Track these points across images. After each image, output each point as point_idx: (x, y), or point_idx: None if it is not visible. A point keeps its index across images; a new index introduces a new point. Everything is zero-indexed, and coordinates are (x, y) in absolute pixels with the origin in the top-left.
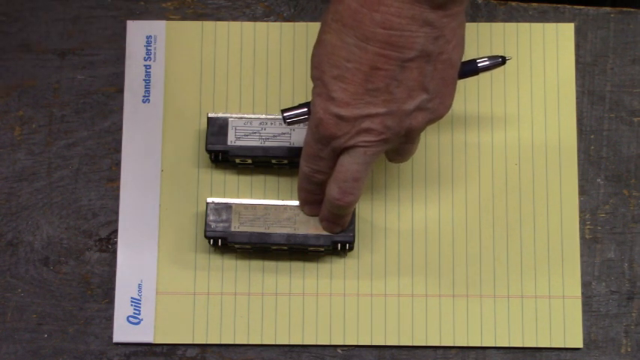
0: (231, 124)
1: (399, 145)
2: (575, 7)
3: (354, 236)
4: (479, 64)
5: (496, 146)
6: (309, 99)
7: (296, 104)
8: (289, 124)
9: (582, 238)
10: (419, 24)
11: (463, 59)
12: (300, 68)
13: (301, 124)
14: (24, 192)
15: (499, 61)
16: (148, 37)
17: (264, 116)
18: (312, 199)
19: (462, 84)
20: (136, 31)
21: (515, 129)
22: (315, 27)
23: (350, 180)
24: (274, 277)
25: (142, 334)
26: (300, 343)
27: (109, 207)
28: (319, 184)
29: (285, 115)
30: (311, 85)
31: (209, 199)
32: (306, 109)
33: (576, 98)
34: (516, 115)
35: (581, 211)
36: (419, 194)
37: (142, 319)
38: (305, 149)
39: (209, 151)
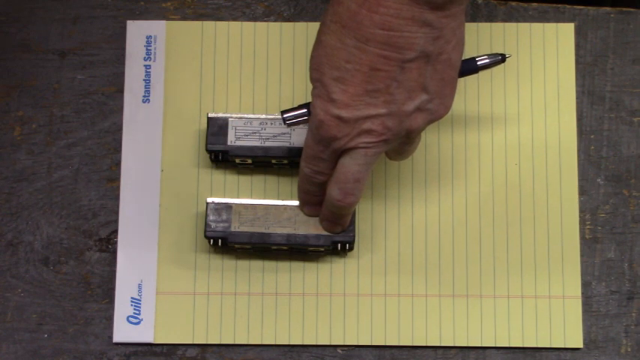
0: (231, 124)
1: (399, 145)
2: (575, 7)
3: (354, 236)
4: (478, 63)
5: (496, 146)
6: (309, 99)
7: (296, 105)
8: (289, 125)
9: (582, 238)
10: (418, 25)
11: (463, 58)
12: (300, 68)
13: (301, 125)
14: (24, 192)
15: (499, 59)
16: (148, 37)
17: (264, 116)
18: (313, 200)
19: (462, 84)
20: (136, 31)
21: (515, 129)
22: (315, 27)
23: (351, 181)
24: (274, 277)
25: (142, 334)
26: (300, 343)
27: (109, 207)
28: (320, 185)
29: (284, 116)
30: (311, 85)
31: (209, 199)
32: (305, 110)
33: (576, 98)
34: (516, 115)
35: (581, 211)
36: (419, 194)
37: (142, 319)
38: (305, 150)
39: (209, 151)
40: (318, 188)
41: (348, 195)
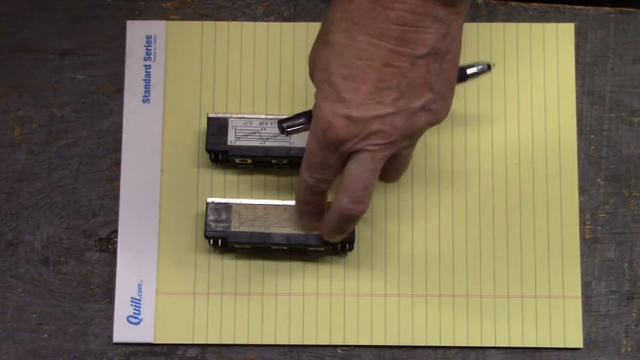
0: (231, 124)
1: (401, 149)
2: (575, 7)
3: (354, 236)
4: (467, 72)
5: (496, 146)
6: (309, 99)
7: (293, 114)
8: (288, 133)
9: (582, 238)
10: (430, 20)
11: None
12: (300, 68)
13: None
14: (24, 192)
15: (485, 68)
16: (148, 37)
17: (264, 116)
18: (313, 210)
19: (462, 84)
20: (136, 31)
21: (515, 129)
22: (315, 27)
23: (361, 188)
24: (274, 277)
25: (142, 334)
26: (300, 343)
27: (109, 207)
28: (321, 194)
29: (284, 124)
30: (311, 84)
31: (209, 199)
32: (303, 119)
33: (576, 98)
34: (516, 115)
35: (581, 211)
36: (419, 194)
37: (142, 319)
38: (308, 159)
39: (209, 151)
40: (319, 198)
41: (358, 203)
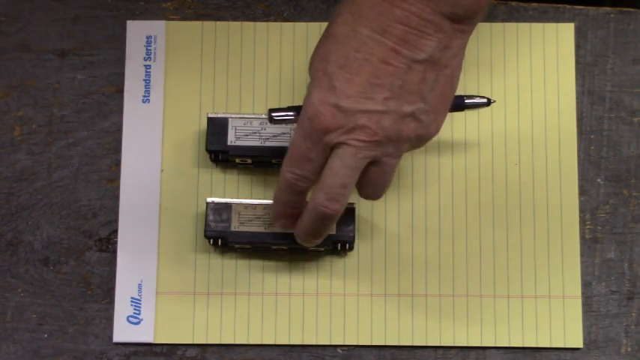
0: (231, 124)
1: (384, 155)
2: (575, 7)
3: (354, 236)
4: (466, 101)
5: (496, 146)
6: None
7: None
8: (275, 122)
9: (582, 238)
10: (435, 29)
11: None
12: (300, 68)
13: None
14: (24, 192)
15: (484, 102)
16: (148, 37)
17: (264, 116)
18: (290, 213)
19: (461, 84)
20: (136, 31)
21: (516, 129)
22: (315, 27)
23: (338, 185)
24: (274, 277)
25: (142, 334)
26: (300, 343)
27: (109, 207)
28: (300, 194)
29: (272, 114)
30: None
31: (209, 199)
32: (293, 113)
33: (576, 98)
34: (516, 115)
35: (581, 211)
36: (419, 194)
37: (142, 319)
38: (290, 152)
39: (209, 151)
40: (297, 198)
41: (333, 201)
